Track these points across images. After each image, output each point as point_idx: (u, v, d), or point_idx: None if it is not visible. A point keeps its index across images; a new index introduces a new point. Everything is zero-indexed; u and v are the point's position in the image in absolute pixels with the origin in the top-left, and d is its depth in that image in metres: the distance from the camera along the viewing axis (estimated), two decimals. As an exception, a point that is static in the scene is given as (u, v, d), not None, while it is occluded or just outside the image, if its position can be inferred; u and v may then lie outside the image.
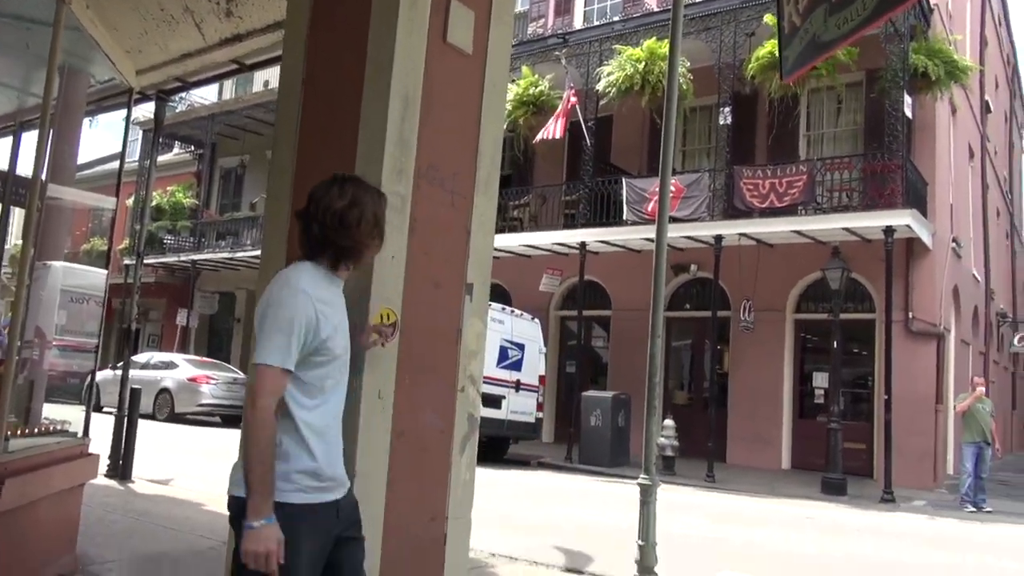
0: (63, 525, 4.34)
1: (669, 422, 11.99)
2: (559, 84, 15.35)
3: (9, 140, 7.67)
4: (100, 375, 11.18)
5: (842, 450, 11.28)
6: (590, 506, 9.03)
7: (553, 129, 14.43)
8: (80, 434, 4.68)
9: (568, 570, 5.71)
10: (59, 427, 4.55)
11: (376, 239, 2.16)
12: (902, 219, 11.63)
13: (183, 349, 21.65)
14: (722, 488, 11.28)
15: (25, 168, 7.38)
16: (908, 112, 12.01)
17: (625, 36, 14.70)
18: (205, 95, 25.71)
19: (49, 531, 4.12)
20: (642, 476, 4.51)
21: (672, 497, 8.95)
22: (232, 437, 13.98)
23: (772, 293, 14.17)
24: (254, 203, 22.85)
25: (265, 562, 1.85)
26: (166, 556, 4.94)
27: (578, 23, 17.69)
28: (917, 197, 12.43)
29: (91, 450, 4.74)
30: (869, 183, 12.27)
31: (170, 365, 16.89)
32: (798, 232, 12.99)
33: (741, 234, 13.31)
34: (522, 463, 13.14)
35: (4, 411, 3.54)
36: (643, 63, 13.57)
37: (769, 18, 12.44)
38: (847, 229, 12.45)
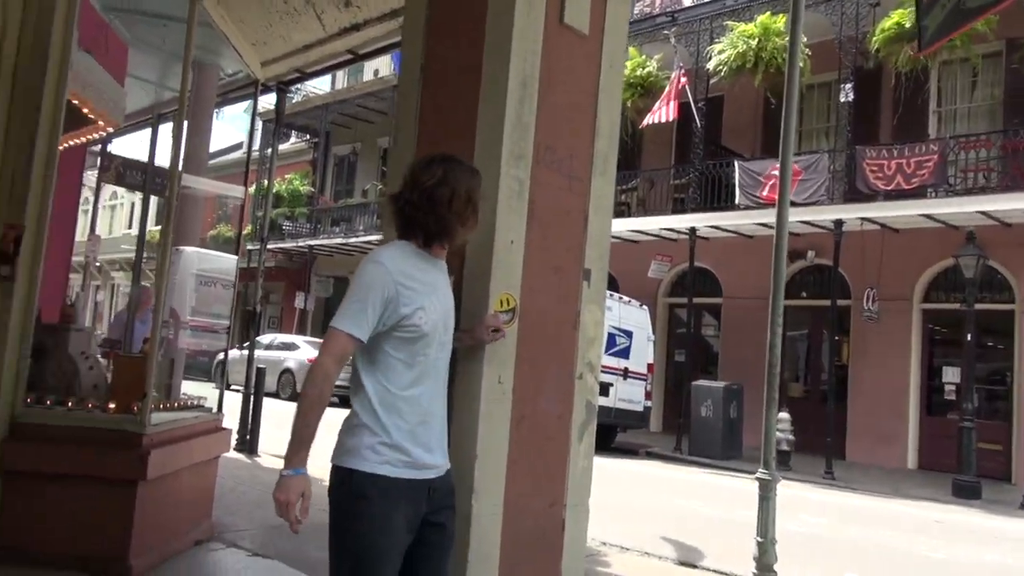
0: (201, 494, 4.63)
1: (784, 415, 11.54)
2: (667, 65, 14.97)
3: (145, 132, 8.21)
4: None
5: (976, 450, 10.53)
6: (701, 498, 8.83)
7: (663, 112, 14.10)
8: (215, 410, 4.97)
9: (682, 563, 5.60)
10: (196, 403, 4.85)
11: (470, 217, 2.16)
12: (1048, 201, 10.70)
13: (301, 331, 22.67)
14: (842, 486, 10.79)
15: (162, 159, 7.88)
16: (1057, 83, 11.00)
17: (737, 12, 14.16)
18: (319, 86, 26.69)
19: (189, 499, 4.41)
20: (760, 470, 4.35)
21: (789, 493, 8.63)
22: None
23: (898, 281, 13.36)
24: (366, 190, 23.59)
25: (285, 511, 1.94)
26: (290, 528, 5.17)
27: (687, 0, 17.19)
28: (1066, 176, 11.39)
29: (223, 425, 5.03)
30: (1009, 162, 11.33)
31: (291, 346, 17.69)
32: (928, 216, 12.17)
33: (863, 218, 12.61)
34: (630, 452, 13.02)
35: (150, 387, 3.80)
36: (756, 39, 13.01)
37: (903, -14, 11.67)
38: (983, 212, 11.56)
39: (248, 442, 8.47)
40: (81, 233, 15.07)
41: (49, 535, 3.61)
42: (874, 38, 12.28)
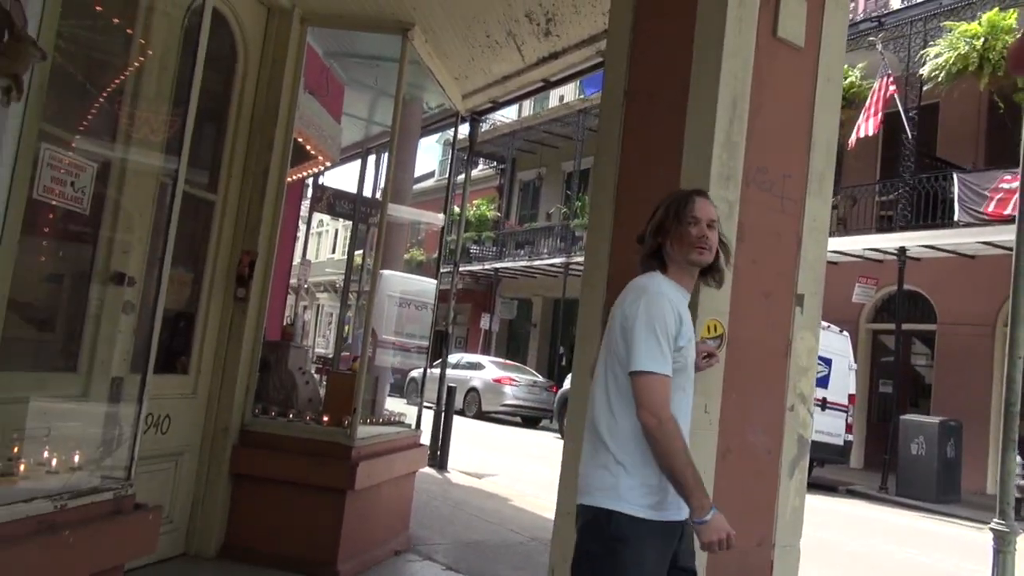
0: (400, 506, 4.86)
1: (1019, 458, 10.20)
2: (871, 73, 13.93)
3: (352, 165, 8.85)
4: (416, 372, 12.47)
5: None
6: (915, 545, 7.99)
7: (867, 125, 13.13)
8: (413, 426, 5.21)
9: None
10: (397, 419, 5.11)
11: (684, 233, 2.13)
12: None
13: (486, 352, 23.41)
14: (1089, 542, 9.33)
15: (368, 189, 8.46)
16: None
17: (956, 11, 12.89)
18: (506, 114, 27.66)
19: (390, 511, 4.64)
20: (996, 520, 3.87)
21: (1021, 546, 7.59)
22: (531, 437, 14.77)
23: None
24: (550, 213, 24.01)
25: (727, 543, 1.93)
26: (483, 544, 5.30)
27: (896, 3, 15.93)
28: None
29: (420, 441, 5.25)
30: None
31: (477, 366, 18.29)
32: None
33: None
34: (828, 488, 12.09)
35: (359, 402, 4.05)
36: (981, 39, 11.77)
37: None
38: None
39: (439, 458, 8.81)
40: (295, 258, 16.63)
41: (268, 536, 3.92)
42: None
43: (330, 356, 7.71)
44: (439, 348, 11.43)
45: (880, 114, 13.06)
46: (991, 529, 3.83)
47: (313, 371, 5.75)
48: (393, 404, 6.40)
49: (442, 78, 4.87)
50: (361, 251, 12.47)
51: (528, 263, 22.32)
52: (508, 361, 19.93)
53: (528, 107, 27.62)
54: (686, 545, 2.12)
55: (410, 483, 5.03)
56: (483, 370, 17.95)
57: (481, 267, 24.27)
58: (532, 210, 26.10)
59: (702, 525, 1.93)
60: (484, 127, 26.05)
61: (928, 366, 14.93)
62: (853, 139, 13.31)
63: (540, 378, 18.22)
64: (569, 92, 24.12)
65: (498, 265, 23.51)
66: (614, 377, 2.06)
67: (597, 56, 4.45)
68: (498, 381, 17.30)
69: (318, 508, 3.94)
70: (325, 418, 4.21)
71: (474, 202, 26.70)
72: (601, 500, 2.03)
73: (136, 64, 3.43)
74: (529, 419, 17.50)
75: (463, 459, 9.46)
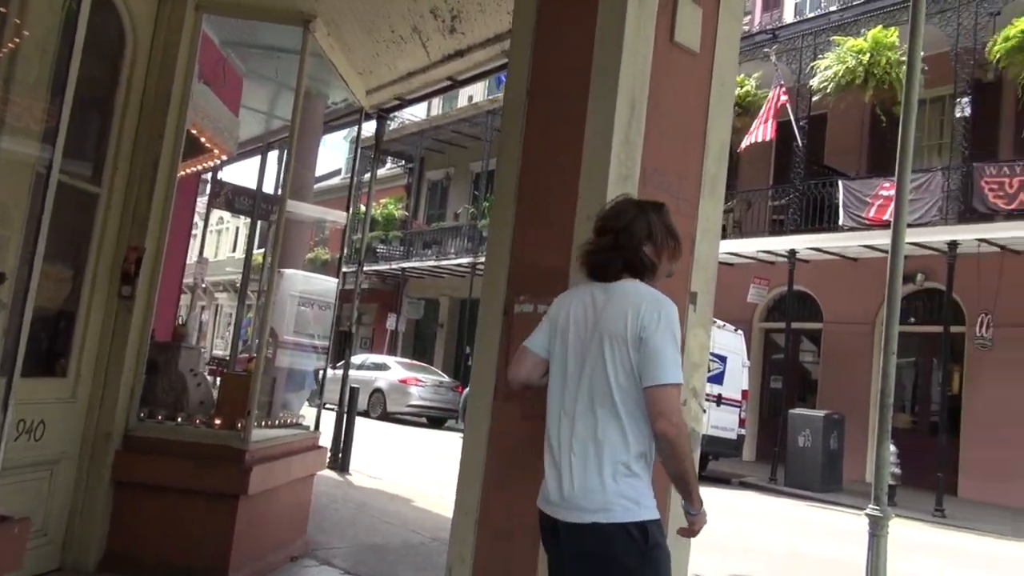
0: (297, 511, 4.72)
1: (892, 448, 10.88)
2: (766, 83, 14.60)
3: (253, 160, 8.56)
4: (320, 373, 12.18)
5: (1112, 491, 9.66)
6: (802, 533, 8.41)
7: (760, 131, 13.73)
8: (312, 428, 5.07)
9: (784, 602, 5.32)
10: (295, 421, 4.96)
11: (675, 249, 2.27)
12: None
13: (391, 352, 23.13)
14: (955, 525, 10.07)
15: (268, 185, 8.20)
16: None
17: (843, 27, 13.67)
18: (414, 112, 27.42)
19: (286, 515, 4.50)
20: (871, 506, 4.09)
21: (896, 531, 8.09)
22: (437, 437, 14.68)
23: (1019, 307, 12.46)
24: (458, 213, 23.98)
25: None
26: (384, 547, 5.22)
27: (789, 17, 16.74)
28: None
29: (319, 443, 5.12)
30: None
31: (382, 367, 18.05)
32: (1053, 238, 11.34)
33: (981, 239, 11.85)
34: (722, 481, 12.57)
35: (254, 405, 3.91)
36: (867, 54, 12.51)
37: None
38: (1117, 234, 10.68)
39: (341, 460, 8.64)
40: (191, 256, 15.93)
41: (154, 544, 3.73)
42: (995, 48, 11.59)
43: (228, 357, 7.44)
44: (342, 349, 11.21)
45: (772, 121, 13.67)
46: (866, 514, 4.04)
47: (207, 373, 5.52)
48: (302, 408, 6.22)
49: (345, 73, 4.76)
50: (263, 249, 12.07)
51: (435, 263, 22.22)
52: (414, 361, 19.77)
53: (437, 106, 27.48)
54: None
55: (308, 486, 4.90)
56: (389, 371, 17.74)
57: (388, 267, 23.97)
58: (440, 210, 25.98)
59: (697, 516, 2.18)
60: (392, 125, 25.71)
61: (815, 363, 15.76)
62: (744, 143, 13.90)
63: (446, 378, 18.16)
64: (478, 92, 24.15)
65: (405, 265, 23.29)
66: (620, 388, 2.06)
67: (503, 55, 4.46)
68: (404, 382, 17.13)
69: (208, 514, 3.78)
70: (217, 421, 4.05)
71: (381, 201, 26.34)
72: (627, 515, 2.04)
73: (11, 47, 3.20)
74: (435, 420, 17.41)
75: (366, 461, 9.30)
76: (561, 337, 2.21)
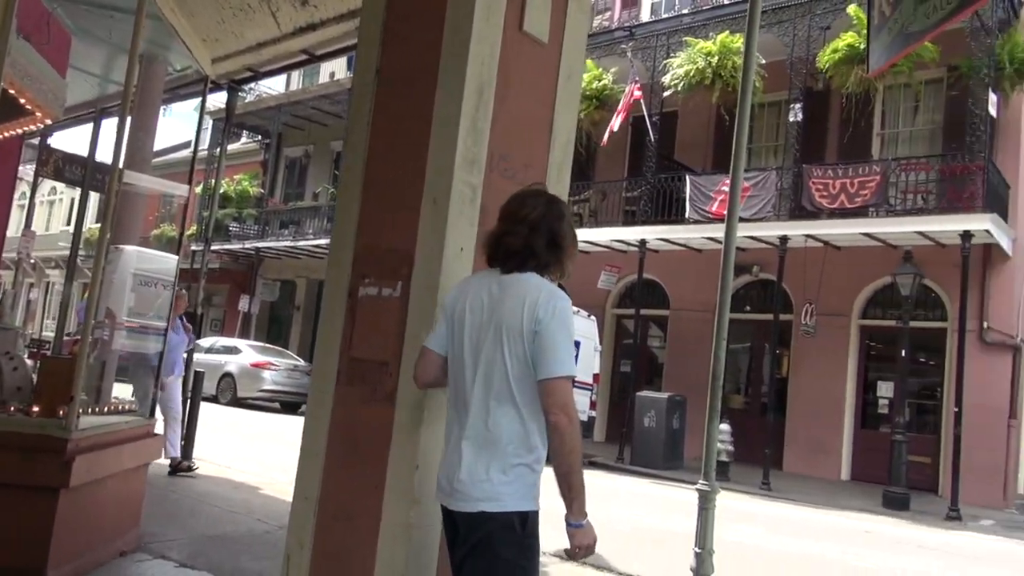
0: (128, 503, 4.45)
1: (725, 426, 11.71)
2: (623, 78, 15.15)
3: (87, 127, 7.92)
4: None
5: (906, 463, 10.86)
6: (643, 508, 8.89)
7: (615, 124, 14.24)
8: (147, 415, 4.79)
9: (621, 573, 5.61)
10: (127, 407, 4.67)
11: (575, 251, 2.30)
12: (981, 224, 11.12)
13: (244, 335, 22.18)
14: (778, 497, 10.99)
15: (103, 154, 7.63)
16: (992, 111, 11.45)
17: (694, 29, 14.41)
18: (272, 86, 26.26)
19: (115, 508, 4.23)
20: (701, 481, 4.37)
21: (727, 503, 8.74)
22: (290, 423, 14.25)
23: (838, 297, 13.73)
24: (317, 192, 23.26)
25: (591, 551, 2.12)
26: (226, 537, 5.03)
27: (645, 16, 17.42)
28: (998, 201, 11.87)
29: (156, 431, 4.85)
30: (947, 185, 11.76)
31: (233, 350, 17.28)
32: (868, 235, 12.54)
33: (807, 235, 12.92)
34: (574, 461, 13.04)
35: (78, 391, 3.63)
36: (715, 57, 13.26)
37: (854, 10, 12.00)
38: (921, 233, 11.97)
39: (183, 448, 8.21)
40: (16, 229, 14.49)
41: (-37, 544, 3.41)
42: (824, 59, 12.62)
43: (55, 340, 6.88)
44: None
45: (624, 114, 14.21)
46: (696, 489, 4.32)
47: (26, 356, 5.07)
48: (125, 391, 5.85)
49: (188, 38, 4.49)
50: (101, 224, 11.19)
51: (292, 243, 21.48)
52: (268, 345, 19.07)
53: (297, 81, 26.46)
54: None
55: (141, 477, 4.63)
56: (240, 354, 17.00)
57: (241, 246, 22.93)
58: (299, 188, 25.10)
59: (578, 528, 2.08)
60: (248, 98, 24.59)
61: (662, 347, 16.64)
62: (606, 137, 14.37)
63: (301, 362, 17.66)
64: (340, 69, 23.47)
65: (260, 244, 22.36)
66: (505, 376, 2.08)
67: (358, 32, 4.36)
68: (256, 366, 16.49)
69: (25, 509, 3.49)
70: (35, 408, 3.74)
71: (235, 177, 25.11)
72: (513, 505, 2.07)
73: None
74: (289, 405, 16.90)
75: (212, 448, 8.89)
76: (457, 328, 2.21)
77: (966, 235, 11.18)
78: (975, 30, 11.51)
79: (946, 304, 13.02)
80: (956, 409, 10.96)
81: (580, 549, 2.09)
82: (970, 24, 11.40)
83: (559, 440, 2.05)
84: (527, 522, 2.10)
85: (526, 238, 2.14)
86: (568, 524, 2.08)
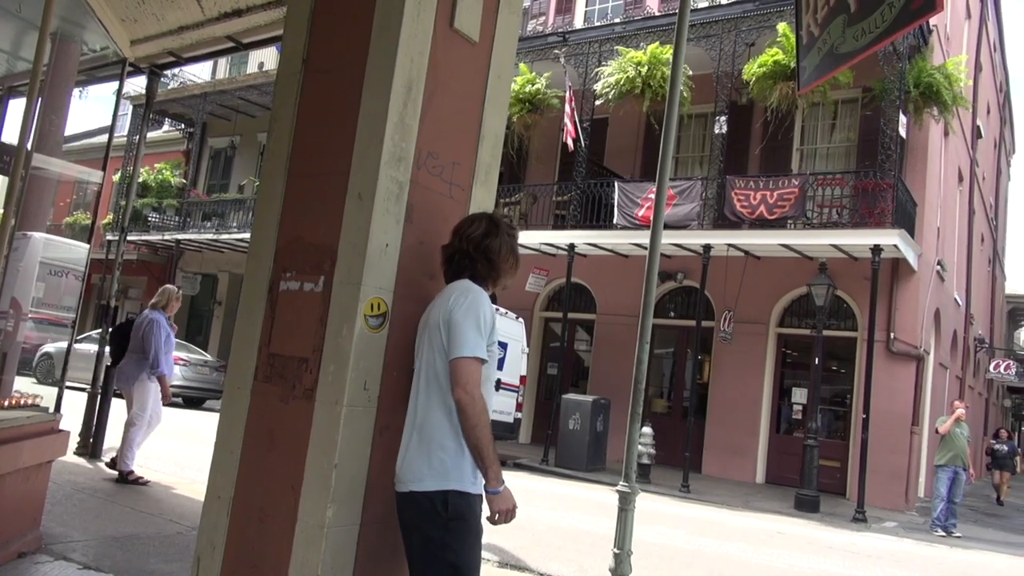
0: (28, 502, 4.23)
1: (647, 430, 11.97)
2: (556, 83, 15.29)
3: (-5, 106, 7.49)
4: (52, 347, 11.03)
5: (817, 467, 11.31)
6: (565, 509, 8.98)
7: (573, 131, 14.34)
8: (52, 410, 4.56)
9: (541, 574, 5.65)
10: (30, 401, 4.43)
11: (514, 265, 2.56)
12: (890, 239, 11.68)
13: (161, 329, 21.39)
14: (697, 499, 11.28)
15: (11, 135, 7.23)
16: (902, 132, 12.06)
17: (626, 38, 14.65)
18: (198, 73, 25.43)
19: (14, 507, 4.01)
20: (621, 483, 4.44)
21: (647, 505, 8.93)
22: (200, 419, 13.80)
23: (757, 306, 14.19)
24: (242, 185, 22.63)
25: (510, 517, 2.29)
26: (134, 538, 4.83)
27: (579, 22, 17.64)
28: (906, 217, 12.49)
29: (61, 427, 4.62)
30: (859, 201, 12.30)
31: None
32: (786, 246, 13.01)
33: (730, 244, 13.32)
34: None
35: (-27, 382, 3.44)
36: (645, 67, 13.51)
37: (782, 27, 12.42)
38: (835, 246, 12.50)
39: (92, 446, 7.87)
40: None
41: None
42: (748, 74, 13.03)
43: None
44: (102, 324, 10.16)
45: (576, 123, 14.34)
46: (617, 491, 4.39)
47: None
48: (42, 387, 5.57)
49: (105, 17, 4.31)
50: (3, 209, 10.57)
51: (215, 236, 20.83)
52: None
53: (224, 69, 25.72)
54: None
55: (44, 475, 4.40)
56: None
57: (161, 237, 22.10)
58: (223, 180, 24.35)
59: (495, 495, 2.26)
60: (171, 84, 23.77)
61: (588, 351, 16.85)
62: (569, 143, 14.49)
63: (210, 358, 17.14)
64: (269, 59, 22.93)
65: (180, 236, 21.60)
66: (434, 369, 2.33)
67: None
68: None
69: (-89, 509, 3.27)
70: (-74, 401, 3.51)
71: (156, 166, 24.20)
72: (435, 484, 2.24)
73: None
74: (193, 400, 16.39)
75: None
76: (418, 337, 2.49)
77: (876, 249, 11.72)
78: (887, 54, 12.09)
79: (856, 315, 13.63)
80: (864, 415, 11.47)
81: (499, 514, 2.27)
82: (883, 49, 11.97)
83: (463, 417, 2.25)
84: (449, 502, 2.24)
85: (465, 252, 2.45)
86: (485, 492, 2.28)
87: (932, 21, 13.71)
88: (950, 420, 10.95)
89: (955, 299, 17.90)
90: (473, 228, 2.47)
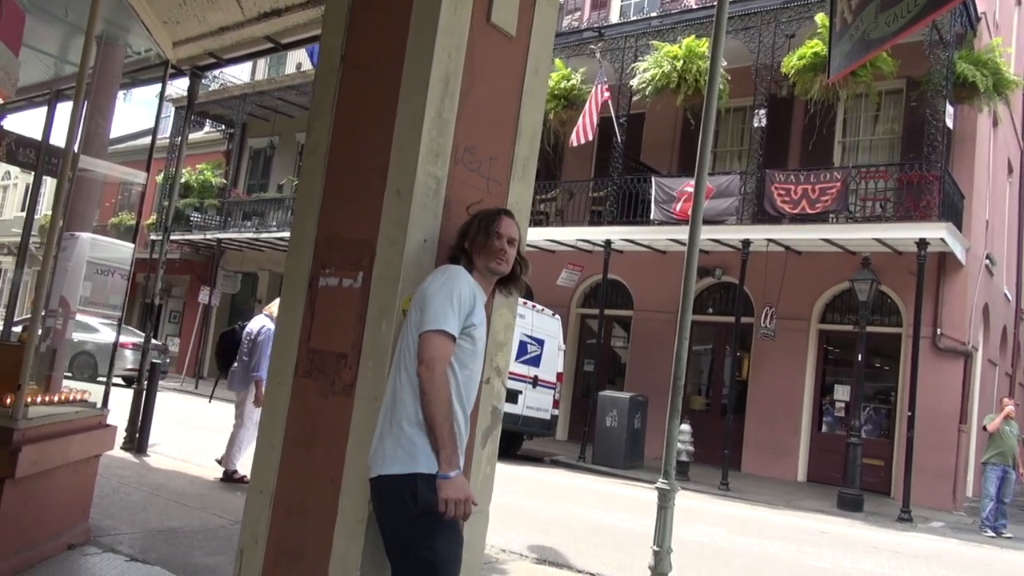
0: (78, 495, 4.33)
1: (685, 427, 11.85)
2: (591, 79, 15.19)
3: (44, 109, 7.70)
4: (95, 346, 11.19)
5: (860, 465, 11.08)
6: (603, 507, 8.94)
7: (585, 131, 14.21)
8: (99, 405, 4.67)
9: (579, 571, 5.63)
10: (79, 397, 4.54)
11: (486, 244, 2.43)
12: (937, 232, 11.39)
13: (204, 326, 21.80)
14: (736, 497, 11.14)
15: (58, 138, 7.42)
16: (949, 123, 11.73)
17: (662, 32, 14.51)
18: (237, 75, 25.82)
19: (64, 500, 4.12)
20: (661, 480, 4.39)
21: (686, 503, 8.83)
22: (196, 406, 14.00)
23: (798, 301, 13.95)
24: (281, 184, 22.94)
25: (463, 507, 2.10)
26: (178, 531, 4.92)
27: (614, 17, 17.50)
28: (953, 210, 12.17)
29: (109, 421, 4.73)
30: (904, 194, 12.02)
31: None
32: (828, 240, 12.77)
33: (769, 239, 13.11)
34: (535, 460, 13.08)
35: (25, 379, 3.52)
36: (681, 61, 13.35)
37: (820, 18, 12.18)
38: (879, 240, 12.22)
39: (137, 440, 8.05)
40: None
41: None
42: (788, 66, 12.79)
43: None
44: (146, 322, 10.39)
45: (596, 119, 14.23)
46: (656, 488, 4.35)
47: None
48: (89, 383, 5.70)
49: (148, 19, 4.38)
50: (52, 210, 10.85)
51: (255, 235, 21.16)
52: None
53: (263, 70, 26.09)
54: None
55: (92, 469, 4.51)
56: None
57: (203, 237, 22.51)
58: (263, 180, 24.72)
59: (445, 480, 2.11)
60: (212, 86, 24.18)
61: (625, 348, 16.75)
62: (573, 140, 14.37)
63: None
64: (307, 60, 23.17)
65: (221, 236, 21.97)
66: (407, 348, 2.25)
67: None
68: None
69: (-32, 500, 3.37)
70: (-19, 397, 3.61)
71: (197, 167, 24.66)
72: (400, 467, 2.14)
73: None
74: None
75: (168, 440, 8.73)
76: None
77: (922, 243, 11.44)
78: (934, 43, 11.77)
79: (901, 310, 13.31)
80: (909, 413, 11.21)
81: (447, 502, 2.10)
82: (928, 37, 11.66)
83: (421, 393, 2.16)
84: (419, 492, 2.13)
85: (455, 243, 2.49)
86: (437, 476, 2.13)
87: (980, 8, 13.33)
88: (999, 418, 10.65)
89: (1005, 294, 17.38)
90: (469, 223, 2.50)
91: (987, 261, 14.51)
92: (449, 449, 2.12)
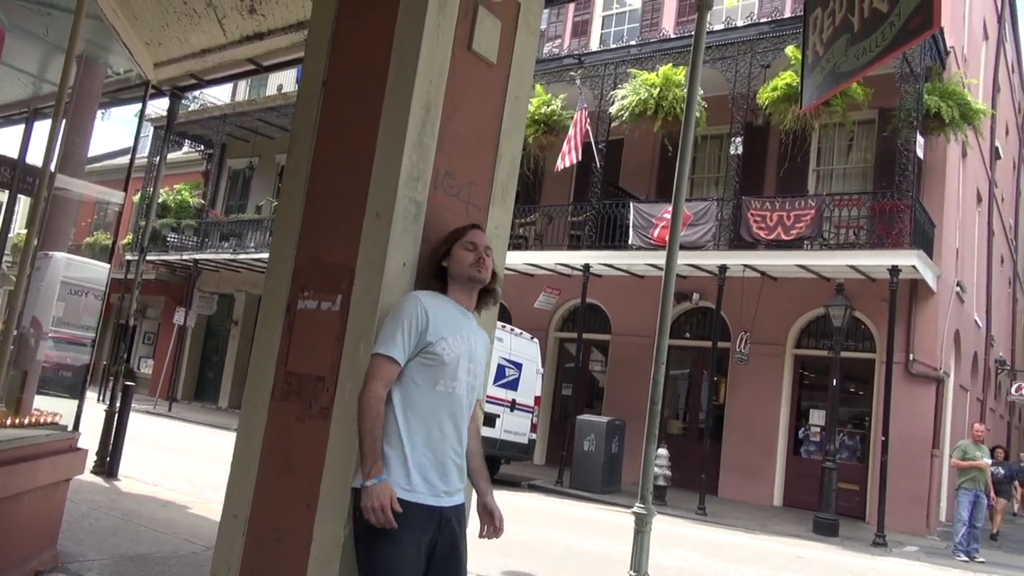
0: (46, 520, 4.24)
1: (663, 451, 11.87)
2: (571, 105, 15.37)
3: (21, 127, 7.63)
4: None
5: (836, 490, 11.15)
6: (580, 532, 8.90)
7: (570, 157, 14.32)
8: (70, 428, 4.59)
9: (557, 596, 5.59)
10: (49, 419, 4.46)
11: (448, 253, 2.49)
12: (908, 259, 11.59)
13: (179, 348, 21.52)
14: (713, 521, 11.14)
15: (35, 157, 7.34)
16: (919, 152, 12.00)
17: (641, 60, 14.73)
18: (218, 95, 25.79)
19: (32, 525, 4.03)
20: (638, 505, 4.39)
21: (663, 528, 8.82)
22: (220, 439, 13.83)
23: (773, 327, 14.09)
24: (260, 206, 22.84)
25: (382, 515, 2.14)
26: (149, 558, 4.83)
27: (594, 45, 17.76)
28: (924, 238, 12.40)
29: (80, 445, 4.64)
30: (877, 221, 12.24)
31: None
32: (803, 267, 12.94)
33: (746, 265, 13.26)
34: (512, 484, 12.99)
35: (-7, 400, 3.47)
36: (658, 88, 13.56)
37: (791, 50, 12.44)
38: (852, 267, 12.41)
39: (108, 464, 7.90)
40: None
41: None
42: (764, 96, 13.04)
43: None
44: (119, 343, 10.26)
45: (580, 145, 14.35)
46: (633, 513, 4.34)
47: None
48: (61, 405, 5.61)
49: (130, 41, 4.39)
50: (27, 229, 10.73)
51: (232, 256, 20.99)
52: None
53: (243, 92, 26.07)
54: (447, 537, 2.30)
55: (61, 493, 4.42)
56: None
57: (179, 257, 22.30)
58: (241, 200, 24.61)
59: (363, 489, 2.20)
60: (192, 106, 24.11)
61: (602, 371, 16.77)
62: (559, 164, 14.47)
63: None
64: (288, 81, 23.22)
65: (198, 256, 21.79)
66: None
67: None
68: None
69: (-70, 526, 3.29)
70: (-53, 419, 3.55)
71: (175, 187, 24.48)
72: (357, 480, 2.27)
73: None
74: None
75: (139, 465, 8.58)
76: None
77: (894, 270, 11.63)
78: (904, 75, 12.07)
79: (875, 336, 13.49)
80: (883, 438, 11.32)
81: (365, 510, 2.18)
82: (899, 70, 11.96)
83: (357, 408, 2.28)
84: (358, 497, 2.24)
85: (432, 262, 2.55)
86: (362, 484, 2.23)
87: (949, 42, 13.69)
88: (965, 464, 10.77)
89: (975, 321, 17.68)
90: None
91: (958, 288, 14.78)
92: (368, 461, 2.20)
